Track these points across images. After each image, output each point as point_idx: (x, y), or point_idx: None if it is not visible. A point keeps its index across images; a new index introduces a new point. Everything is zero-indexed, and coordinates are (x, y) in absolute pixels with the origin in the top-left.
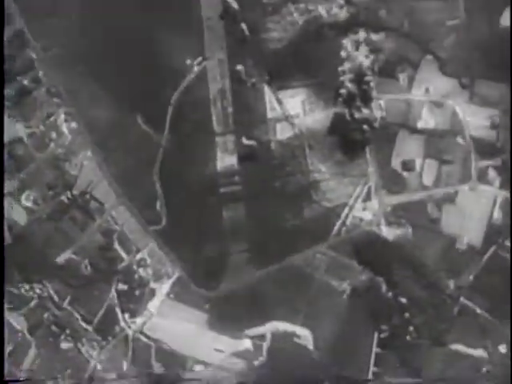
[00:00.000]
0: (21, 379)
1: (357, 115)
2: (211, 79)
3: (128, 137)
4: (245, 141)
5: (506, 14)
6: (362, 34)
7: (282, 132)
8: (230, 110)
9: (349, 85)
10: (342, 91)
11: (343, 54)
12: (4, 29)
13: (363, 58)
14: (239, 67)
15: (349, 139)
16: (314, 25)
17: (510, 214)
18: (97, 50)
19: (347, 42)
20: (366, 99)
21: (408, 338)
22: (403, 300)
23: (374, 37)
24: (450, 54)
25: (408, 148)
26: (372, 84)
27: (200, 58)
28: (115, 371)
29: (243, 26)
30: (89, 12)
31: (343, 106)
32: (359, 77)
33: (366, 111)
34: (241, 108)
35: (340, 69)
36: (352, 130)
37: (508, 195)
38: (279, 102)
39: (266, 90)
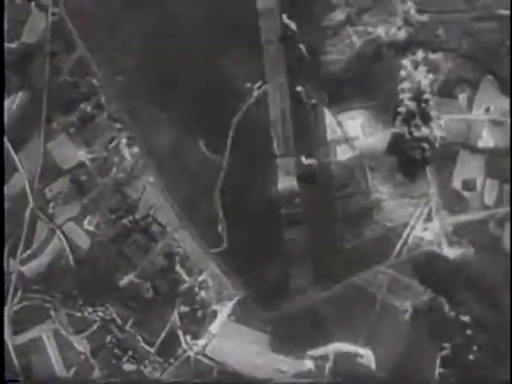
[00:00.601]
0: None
1: (416, 134)
2: (271, 102)
3: (189, 160)
4: (304, 160)
5: None
6: (420, 54)
7: (342, 154)
8: (291, 132)
9: (408, 103)
10: (401, 110)
11: (402, 73)
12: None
13: (422, 78)
14: (299, 88)
15: (408, 159)
16: (373, 46)
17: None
18: (159, 75)
19: (406, 62)
20: (425, 118)
21: (471, 357)
22: (466, 319)
23: (433, 56)
24: (509, 74)
25: (469, 168)
26: (431, 103)
27: (260, 82)
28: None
29: (302, 47)
30: (151, 37)
31: (402, 124)
32: (418, 95)
33: (425, 130)
34: (301, 130)
35: (399, 87)
36: (411, 149)
37: None
38: (339, 124)
39: (326, 112)
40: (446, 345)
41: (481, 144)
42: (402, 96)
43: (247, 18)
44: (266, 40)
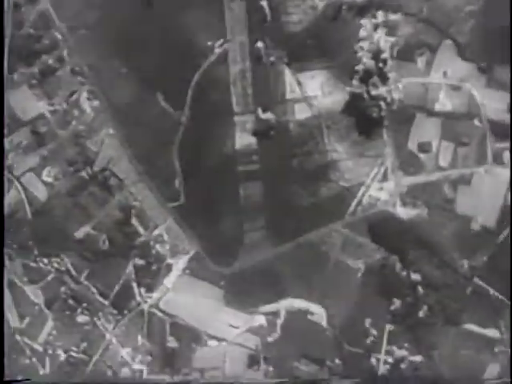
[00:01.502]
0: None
1: (373, 92)
2: (232, 60)
3: (149, 115)
4: (261, 114)
5: None
6: (380, 15)
7: (301, 112)
8: (250, 90)
9: (366, 61)
10: (359, 68)
11: (361, 33)
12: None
13: (381, 39)
14: (259, 45)
15: (366, 118)
16: (333, 7)
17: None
18: (121, 30)
19: (365, 23)
20: (383, 77)
21: (421, 316)
22: (417, 279)
23: (392, 18)
24: (468, 39)
25: (425, 130)
26: (389, 62)
27: (221, 40)
28: (130, 345)
29: (265, 6)
30: None
31: (360, 83)
32: (376, 54)
33: (382, 89)
34: (260, 89)
35: (357, 46)
36: (368, 108)
37: None
38: (298, 83)
39: (286, 71)
40: (396, 303)
41: (437, 107)
42: (360, 54)
43: None
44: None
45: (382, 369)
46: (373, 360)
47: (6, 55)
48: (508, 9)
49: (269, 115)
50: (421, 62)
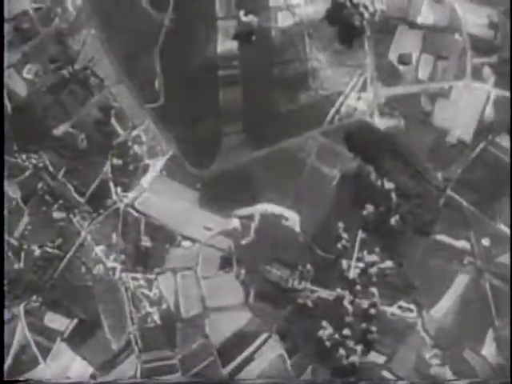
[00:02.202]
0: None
1: (356, 0)
2: None
3: (132, 16)
4: (243, 17)
5: None
6: None
7: (283, 20)
8: None
9: None
10: None
11: None
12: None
13: None
14: None
15: (347, 26)
16: None
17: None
18: None
19: None
20: None
21: (393, 225)
22: (390, 188)
23: None
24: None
25: (406, 42)
26: None
27: None
28: (105, 242)
29: None
30: None
31: None
32: None
33: None
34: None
35: None
36: (350, 16)
37: (504, 93)
38: None
39: None
40: (369, 210)
41: (419, 20)
42: None
43: None
44: None
45: (353, 273)
46: (344, 265)
47: None
48: None
49: (250, 18)
50: None
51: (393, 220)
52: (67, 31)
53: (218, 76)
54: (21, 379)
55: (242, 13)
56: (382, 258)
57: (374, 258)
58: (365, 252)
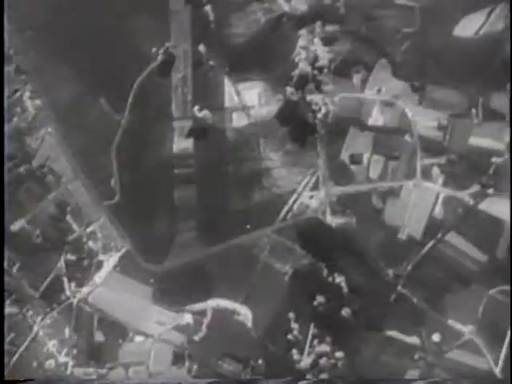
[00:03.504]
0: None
1: (308, 98)
2: (175, 67)
3: (89, 116)
4: (197, 113)
5: (461, 24)
6: (318, 25)
7: (238, 121)
8: (190, 97)
9: (302, 67)
10: (295, 73)
11: (300, 43)
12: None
13: (319, 50)
14: (201, 48)
15: (301, 126)
16: (275, 19)
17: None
18: (68, 32)
19: (304, 33)
20: (319, 84)
21: (345, 320)
22: (342, 285)
23: (331, 29)
24: (403, 59)
25: (357, 143)
26: (326, 73)
27: (165, 47)
28: (57, 337)
29: (209, 14)
30: None
31: (295, 89)
32: (313, 62)
33: (317, 96)
34: (200, 96)
35: (295, 53)
36: (303, 114)
37: (452, 192)
38: (237, 93)
39: (226, 81)
40: (321, 306)
41: (370, 122)
42: (297, 60)
43: None
44: (174, 8)
45: (304, 365)
46: (295, 356)
47: None
48: (440, 32)
49: (205, 113)
50: (356, 78)
51: (345, 316)
52: (26, 130)
53: (173, 174)
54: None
55: (196, 108)
56: (333, 354)
57: (325, 348)
58: (315, 342)
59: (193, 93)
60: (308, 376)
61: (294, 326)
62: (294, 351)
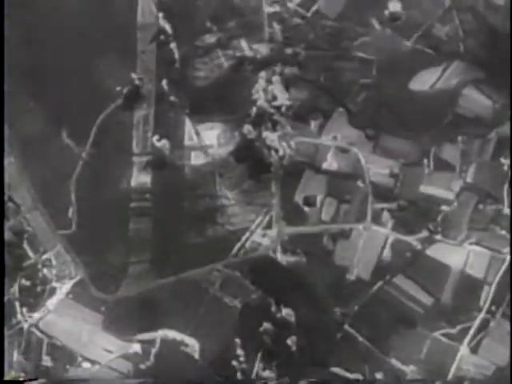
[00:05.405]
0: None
1: (265, 136)
2: (137, 106)
3: (51, 148)
4: (157, 143)
5: (417, 78)
6: (278, 67)
7: (196, 159)
8: (150, 134)
9: (260, 104)
10: (252, 111)
11: (259, 83)
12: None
13: (277, 91)
14: (164, 84)
15: (256, 163)
16: (237, 63)
17: None
18: (35, 67)
19: (263, 75)
20: (275, 123)
21: (292, 356)
22: (290, 321)
23: (289, 71)
24: (359, 109)
25: (312, 186)
26: (283, 109)
27: (130, 87)
28: (6, 360)
29: (175, 57)
30: (31, 30)
31: (252, 127)
32: (271, 100)
33: (274, 135)
34: (161, 134)
35: (253, 93)
36: (260, 153)
37: (400, 236)
38: (197, 133)
39: (187, 121)
40: (268, 341)
41: (325, 166)
42: (255, 97)
43: (127, 29)
44: (141, 50)
45: None
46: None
47: None
48: (395, 85)
49: (164, 143)
50: (314, 125)
51: (292, 352)
52: None
53: (129, 207)
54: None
55: (155, 138)
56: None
57: (270, 374)
58: (260, 367)
59: (153, 130)
60: None
61: (241, 363)
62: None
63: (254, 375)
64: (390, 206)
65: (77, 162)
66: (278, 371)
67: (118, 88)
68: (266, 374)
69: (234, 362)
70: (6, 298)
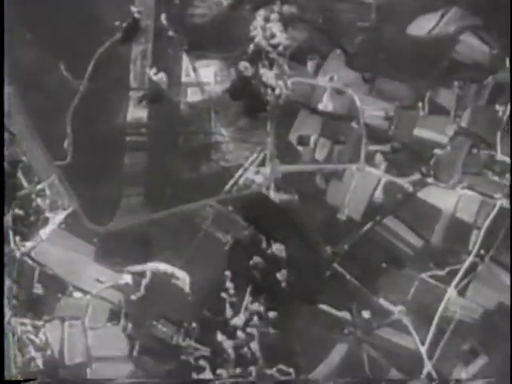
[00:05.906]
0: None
1: (261, 73)
2: (136, 41)
3: (49, 79)
4: (153, 76)
5: (415, 23)
6: (277, 5)
7: (193, 95)
8: (148, 69)
9: (257, 41)
10: (249, 48)
11: (257, 21)
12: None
13: (276, 30)
14: (163, 18)
15: (251, 99)
16: (236, 2)
17: None
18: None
19: (261, 13)
20: (273, 62)
21: (281, 292)
22: (281, 256)
23: (288, 9)
24: (357, 51)
25: (306, 126)
26: (280, 48)
27: (128, 21)
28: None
29: None
30: None
31: (250, 63)
32: (268, 38)
33: (271, 73)
34: (158, 69)
35: (252, 29)
36: (255, 90)
37: (393, 178)
38: (194, 69)
39: (184, 57)
40: (258, 276)
41: (320, 107)
42: (253, 34)
43: None
44: None
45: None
46: (228, 314)
47: None
48: (394, 29)
49: (161, 76)
50: (311, 66)
51: (281, 288)
52: None
53: (125, 141)
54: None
55: (153, 71)
56: (267, 324)
57: (258, 307)
58: (249, 300)
59: (151, 65)
60: (239, 333)
61: (230, 285)
62: (228, 310)
63: (243, 308)
64: (384, 148)
65: (74, 95)
66: (267, 304)
67: (117, 23)
68: (255, 306)
69: (224, 295)
70: None
